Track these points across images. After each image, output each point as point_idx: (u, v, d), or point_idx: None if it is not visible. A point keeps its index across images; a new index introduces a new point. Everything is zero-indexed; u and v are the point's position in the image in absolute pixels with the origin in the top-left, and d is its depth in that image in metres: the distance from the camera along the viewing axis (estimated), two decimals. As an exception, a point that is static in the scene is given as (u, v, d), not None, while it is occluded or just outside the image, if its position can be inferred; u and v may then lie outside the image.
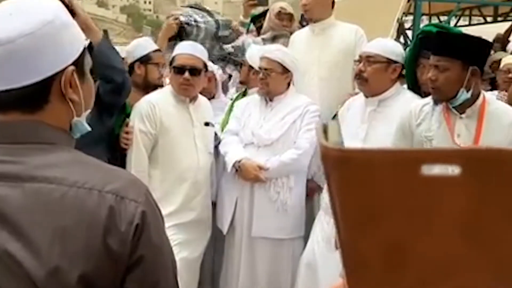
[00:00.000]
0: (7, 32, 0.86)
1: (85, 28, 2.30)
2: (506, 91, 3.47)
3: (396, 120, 2.49)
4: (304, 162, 2.79)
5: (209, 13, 3.60)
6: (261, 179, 2.72)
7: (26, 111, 0.89)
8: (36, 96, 0.89)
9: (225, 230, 2.86)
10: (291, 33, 3.59)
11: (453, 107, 2.13)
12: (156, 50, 2.96)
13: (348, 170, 0.28)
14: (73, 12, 2.30)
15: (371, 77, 2.57)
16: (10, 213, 0.82)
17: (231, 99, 3.37)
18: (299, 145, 2.76)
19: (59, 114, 0.92)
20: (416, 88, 2.67)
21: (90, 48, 2.53)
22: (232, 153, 2.79)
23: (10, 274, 0.81)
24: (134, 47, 2.93)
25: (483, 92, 2.16)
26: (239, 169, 2.74)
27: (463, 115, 2.12)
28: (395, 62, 2.60)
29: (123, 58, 3.07)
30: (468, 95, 2.08)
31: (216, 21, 3.55)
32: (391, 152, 0.28)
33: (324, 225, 2.64)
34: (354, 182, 0.28)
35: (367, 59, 2.60)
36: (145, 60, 2.88)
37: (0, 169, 0.85)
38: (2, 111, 0.89)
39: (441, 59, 2.05)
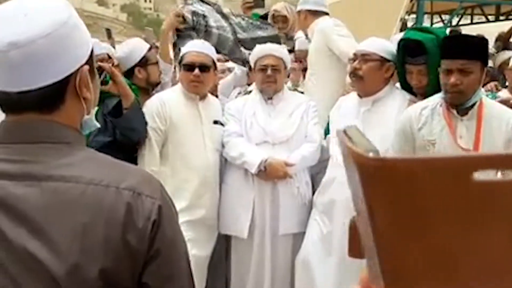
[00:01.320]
0: (24, 34, 0.84)
1: (122, 93, 2.47)
2: None
3: (391, 120, 2.47)
4: (319, 154, 2.79)
5: (224, 16, 3.53)
6: (290, 176, 2.70)
7: (43, 111, 0.89)
8: (53, 96, 0.89)
9: (245, 234, 2.74)
10: (286, 34, 3.62)
11: (461, 108, 2.12)
12: (149, 49, 2.96)
13: (391, 179, 0.27)
14: (113, 80, 2.45)
15: (367, 75, 2.54)
16: (28, 212, 0.83)
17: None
18: (312, 139, 2.77)
19: (73, 113, 0.93)
20: (408, 88, 2.65)
21: (120, 110, 2.68)
22: (251, 153, 2.69)
23: (31, 272, 0.81)
24: (127, 53, 2.89)
25: (480, 93, 2.15)
26: (265, 169, 2.67)
27: (464, 117, 2.11)
28: (388, 61, 2.58)
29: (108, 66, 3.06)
30: (480, 94, 2.07)
31: (231, 25, 3.50)
32: (439, 159, 0.27)
33: (321, 225, 2.64)
34: (399, 192, 0.27)
35: (363, 57, 2.57)
36: (144, 62, 2.87)
37: (17, 169, 0.85)
38: (19, 112, 0.89)
39: (466, 62, 2.02)
